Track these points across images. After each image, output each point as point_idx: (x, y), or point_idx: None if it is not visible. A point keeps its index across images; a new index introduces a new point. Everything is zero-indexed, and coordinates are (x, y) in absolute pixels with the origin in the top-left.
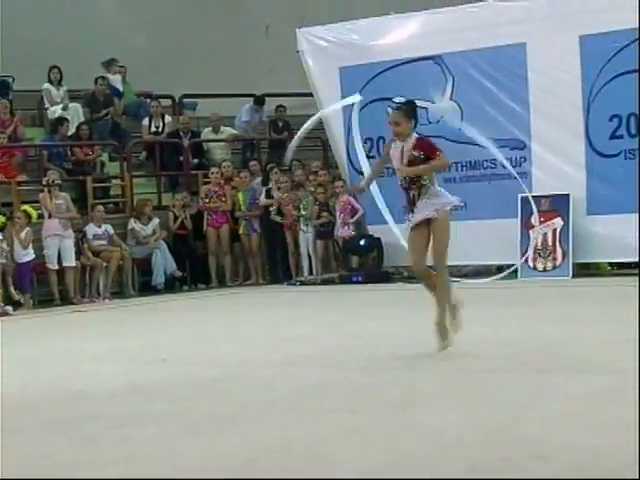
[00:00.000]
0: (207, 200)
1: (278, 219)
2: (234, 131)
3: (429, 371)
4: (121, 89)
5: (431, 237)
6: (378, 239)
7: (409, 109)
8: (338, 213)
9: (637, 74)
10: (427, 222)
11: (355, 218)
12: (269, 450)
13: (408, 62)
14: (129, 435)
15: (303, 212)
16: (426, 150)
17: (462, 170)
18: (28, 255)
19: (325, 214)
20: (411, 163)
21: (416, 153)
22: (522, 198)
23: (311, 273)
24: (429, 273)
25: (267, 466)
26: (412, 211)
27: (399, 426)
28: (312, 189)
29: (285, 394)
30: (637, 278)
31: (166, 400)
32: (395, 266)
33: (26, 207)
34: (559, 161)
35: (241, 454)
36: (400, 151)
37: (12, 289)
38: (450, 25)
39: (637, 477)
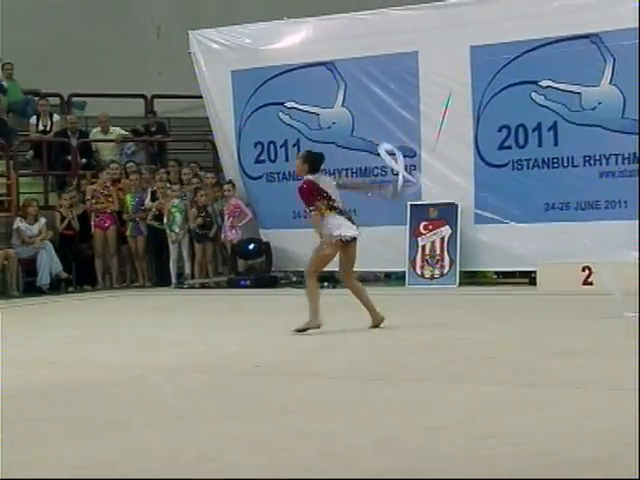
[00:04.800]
0: (93, 201)
1: (155, 224)
2: (123, 132)
3: (316, 379)
4: (5, 86)
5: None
6: (267, 243)
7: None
8: (226, 216)
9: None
10: None
11: (244, 222)
12: (157, 457)
13: (300, 67)
14: (13, 440)
15: (178, 215)
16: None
17: (352, 176)
18: None
19: (202, 217)
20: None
21: None
22: (411, 205)
23: (193, 277)
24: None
25: (156, 473)
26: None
27: (286, 433)
28: (188, 192)
29: (172, 400)
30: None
31: (50, 405)
32: (284, 270)
33: None
34: (448, 170)
35: (128, 461)
36: None
37: None
38: (343, 31)
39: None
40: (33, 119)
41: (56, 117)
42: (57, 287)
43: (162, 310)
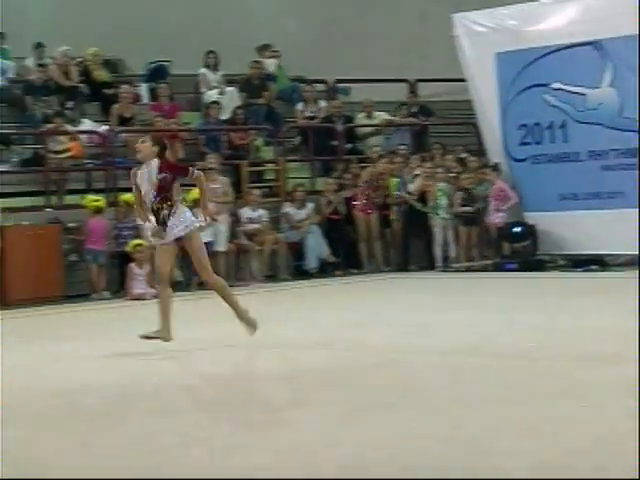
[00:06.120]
0: (366, 184)
1: (418, 206)
2: (387, 116)
3: (587, 363)
4: (275, 74)
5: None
6: (533, 226)
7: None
8: (491, 200)
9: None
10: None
11: (508, 205)
12: (431, 441)
13: (566, 48)
14: (288, 421)
15: (443, 199)
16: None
17: (619, 157)
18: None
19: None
20: (160, 184)
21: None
22: None
23: (458, 260)
24: (169, 279)
25: (430, 458)
26: (165, 230)
27: (558, 419)
28: (454, 175)
29: (443, 383)
30: None
31: (325, 387)
32: (549, 254)
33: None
34: None
35: (402, 444)
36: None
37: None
38: (610, 10)
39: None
40: (299, 105)
41: (322, 103)
42: (324, 270)
43: (429, 292)
